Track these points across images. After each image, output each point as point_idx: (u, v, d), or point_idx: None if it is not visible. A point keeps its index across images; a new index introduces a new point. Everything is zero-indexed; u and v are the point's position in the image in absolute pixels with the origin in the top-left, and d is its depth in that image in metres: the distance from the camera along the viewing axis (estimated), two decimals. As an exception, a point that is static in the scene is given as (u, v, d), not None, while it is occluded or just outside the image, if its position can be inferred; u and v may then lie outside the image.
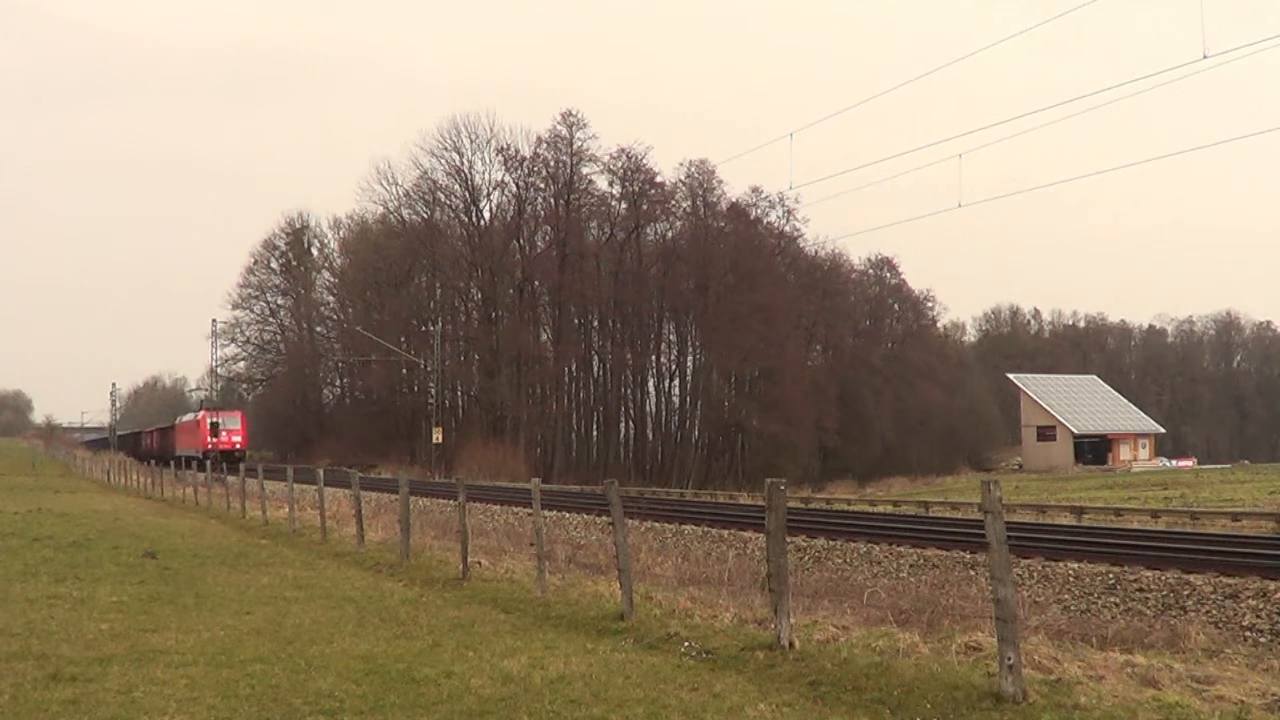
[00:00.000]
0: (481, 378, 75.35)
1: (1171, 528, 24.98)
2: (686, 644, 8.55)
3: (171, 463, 47.15)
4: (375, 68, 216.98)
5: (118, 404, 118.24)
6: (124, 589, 12.37)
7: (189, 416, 72.27)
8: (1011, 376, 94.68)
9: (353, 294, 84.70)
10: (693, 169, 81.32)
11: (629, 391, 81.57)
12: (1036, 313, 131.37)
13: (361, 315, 79.39)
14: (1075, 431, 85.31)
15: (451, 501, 21.92)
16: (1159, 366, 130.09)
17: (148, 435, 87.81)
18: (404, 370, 77.31)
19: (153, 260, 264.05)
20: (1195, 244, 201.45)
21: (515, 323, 75.11)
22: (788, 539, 9.22)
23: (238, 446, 61.75)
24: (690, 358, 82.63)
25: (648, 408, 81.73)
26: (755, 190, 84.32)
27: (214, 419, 63.85)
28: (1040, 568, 16.33)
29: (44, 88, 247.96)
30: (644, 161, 78.11)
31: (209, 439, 60.97)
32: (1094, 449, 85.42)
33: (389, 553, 16.20)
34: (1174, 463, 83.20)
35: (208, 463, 38.56)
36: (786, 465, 70.96)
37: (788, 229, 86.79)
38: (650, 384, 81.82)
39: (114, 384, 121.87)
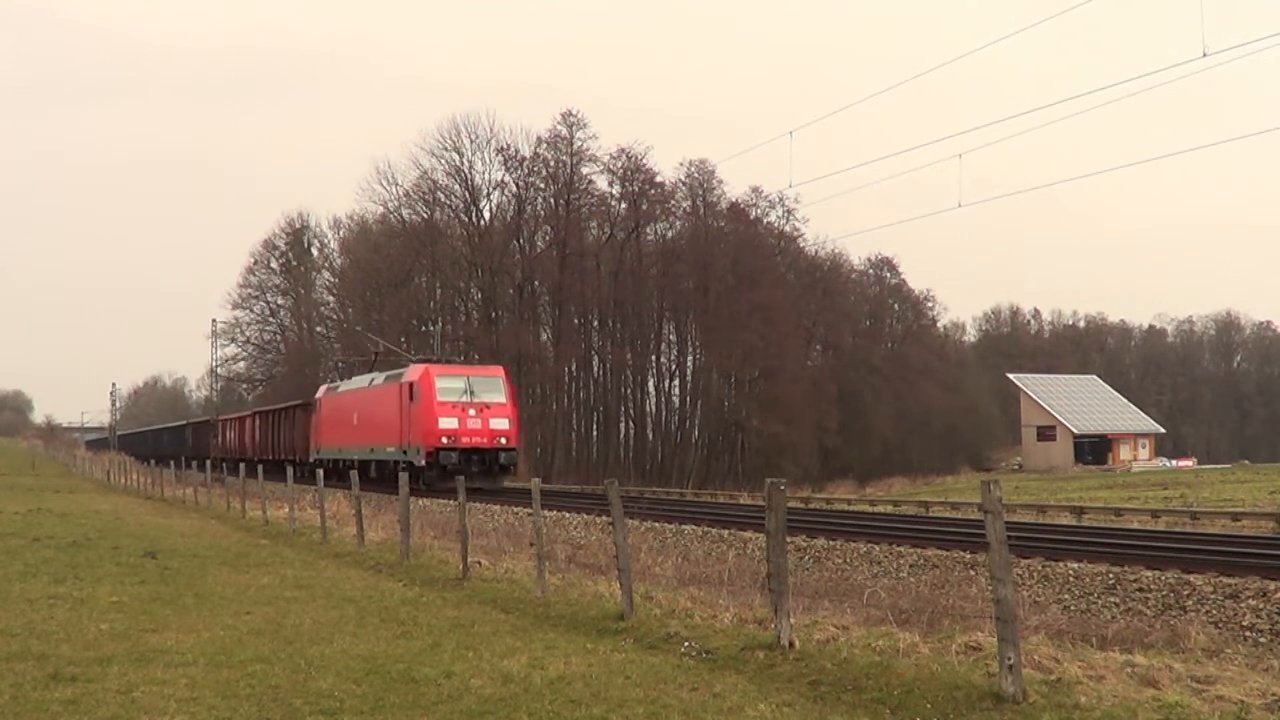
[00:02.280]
0: (482, 378, 75.25)
1: (1171, 528, 24.96)
2: (686, 644, 8.54)
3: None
4: (376, 68, 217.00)
5: (118, 404, 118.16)
6: (124, 589, 12.37)
7: (372, 380, 37.76)
8: (1011, 376, 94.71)
9: (353, 294, 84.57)
10: (693, 169, 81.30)
11: (629, 391, 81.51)
12: (1036, 313, 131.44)
13: (361, 315, 79.23)
14: (1075, 431, 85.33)
15: (451, 501, 21.90)
16: (1159, 366, 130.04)
17: (229, 425, 61.14)
18: (404, 370, 77.14)
19: (153, 260, 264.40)
20: (1195, 244, 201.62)
21: (515, 323, 75.04)
22: (788, 539, 9.21)
23: (504, 443, 32.24)
24: (690, 358, 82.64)
25: (648, 408, 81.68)
26: (755, 190, 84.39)
27: (452, 380, 32.41)
28: (1040, 568, 16.30)
29: (44, 88, 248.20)
30: (644, 161, 78.06)
31: (441, 426, 31.28)
32: (1094, 449, 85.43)
33: (389, 553, 16.20)
34: (1174, 463, 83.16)
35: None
36: (786, 465, 70.97)
37: (788, 229, 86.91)
38: (650, 384, 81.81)
39: (114, 384, 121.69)
